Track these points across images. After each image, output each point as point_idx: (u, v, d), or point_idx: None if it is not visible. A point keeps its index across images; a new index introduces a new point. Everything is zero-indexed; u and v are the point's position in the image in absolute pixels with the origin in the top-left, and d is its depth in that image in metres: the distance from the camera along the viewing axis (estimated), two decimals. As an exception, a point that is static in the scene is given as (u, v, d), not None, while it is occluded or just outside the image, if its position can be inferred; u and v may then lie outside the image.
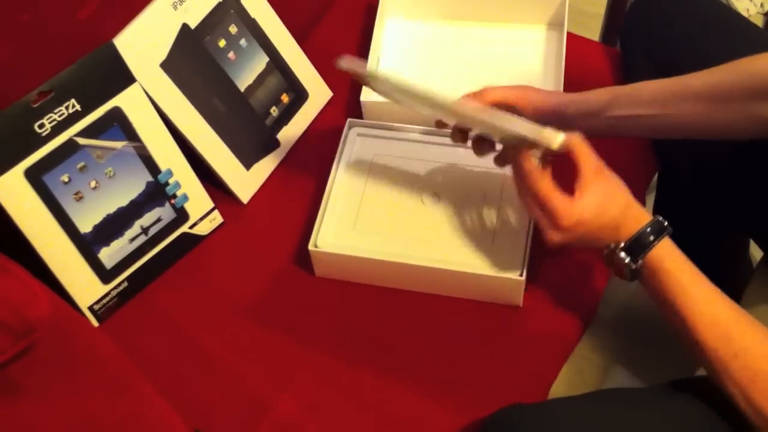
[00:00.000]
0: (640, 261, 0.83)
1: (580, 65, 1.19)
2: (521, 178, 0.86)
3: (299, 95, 1.17)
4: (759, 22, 1.90)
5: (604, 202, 0.83)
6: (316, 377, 0.98)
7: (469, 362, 0.99)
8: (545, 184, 0.84)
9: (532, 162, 0.86)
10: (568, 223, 0.83)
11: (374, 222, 1.04)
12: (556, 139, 0.83)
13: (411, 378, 0.97)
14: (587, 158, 0.84)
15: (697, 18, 1.10)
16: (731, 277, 1.35)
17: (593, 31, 1.57)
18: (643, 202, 1.14)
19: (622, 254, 0.83)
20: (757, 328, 0.78)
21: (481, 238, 1.01)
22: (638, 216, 0.84)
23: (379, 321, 1.02)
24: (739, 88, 0.87)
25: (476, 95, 0.94)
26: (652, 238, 0.82)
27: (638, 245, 0.82)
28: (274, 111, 1.14)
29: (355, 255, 1.01)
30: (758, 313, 1.07)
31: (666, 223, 0.83)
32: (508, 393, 0.96)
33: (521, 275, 0.98)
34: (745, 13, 1.89)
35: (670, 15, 1.11)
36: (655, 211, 1.18)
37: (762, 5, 1.93)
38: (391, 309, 1.02)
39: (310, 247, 1.01)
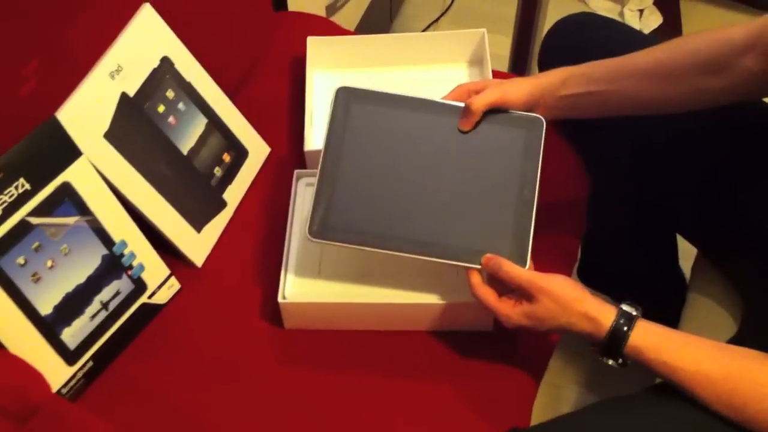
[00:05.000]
0: (620, 360, 0.87)
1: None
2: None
3: (240, 153, 1.17)
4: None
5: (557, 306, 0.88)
6: (301, 427, 0.97)
7: (453, 392, 0.99)
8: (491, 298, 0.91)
9: (478, 278, 0.93)
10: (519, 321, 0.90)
11: (338, 268, 1.05)
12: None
13: (396, 416, 0.98)
14: (518, 272, 0.90)
15: (610, 39, 1.17)
16: (666, 282, 1.42)
17: (501, 69, 1.65)
18: (581, 214, 1.19)
19: (602, 357, 0.88)
20: (750, 361, 0.82)
21: (444, 268, 1.03)
22: (603, 311, 0.87)
23: (355, 365, 1.02)
24: (680, 65, 0.94)
25: (465, 113, 0.98)
26: (625, 329, 0.85)
27: (612, 347, 0.86)
28: (218, 171, 1.14)
29: (326, 302, 1.01)
30: (704, 306, 1.13)
31: (633, 312, 0.87)
32: (495, 418, 0.97)
33: (490, 299, 1.00)
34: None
35: (585, 37, 1.18)
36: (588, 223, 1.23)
37: (641, 30, 2.06)
38: (365, 352, 1.03)
39: (280, 299, 1.01)
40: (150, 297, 1.05)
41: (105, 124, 1.01)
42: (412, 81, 1.28)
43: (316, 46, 1.27)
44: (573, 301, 0.87)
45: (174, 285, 1.08)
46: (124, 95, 1.03)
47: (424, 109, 1.00)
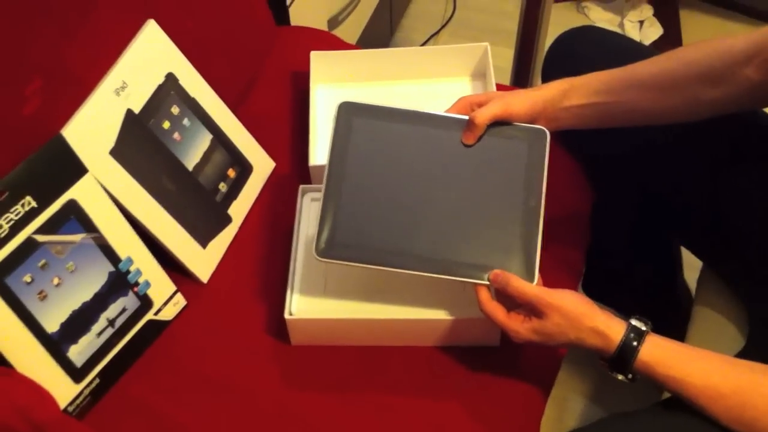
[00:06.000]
0: (629, 375, 0.87)
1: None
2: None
3: (244, 168, 1.17)
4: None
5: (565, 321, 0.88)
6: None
7: (460, 408, 0.99)
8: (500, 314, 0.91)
9: (486, 294, 0.92)
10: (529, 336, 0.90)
11: (344, 283, 1.05)
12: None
13: (404, 432, 0.98)
14: (527, 288, 0.90)
15: (613, 51, 1.17)
16: (671, 295, 1.42)
17: (503, 82, 1.65)
18: (586, 227, 1.19)
19: (612, 372, 0.88)
20: (759, 375, 0.82)
21: (451, 284, 1.03)
22: (612, 326, 0.87)
23: (361, 381, 1.02)
24: (681, 76, 0.95)
25: (469, 127, 0.97)
26: (635, 343, 0.85)
27: (622, 362, 0.86)
28: (223, 187, 1.14)
29: (333, 317, 1.01)
30: (709, 320, 1.13)
31: (643, 327, 0.86)
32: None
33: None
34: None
35: (588, 50, 1.19)
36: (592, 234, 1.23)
37: (641, 41, 2.07)
38: (371, 367, 1.02)
39: (286, 315, 1.00)
40: (156, 313, 1.05)
41: (110, 141, 1.01)
42: (415, 95, 1.29)
43: (319, 61, 1.27)
44: (582, 316, 0.87)
45: (180, 301, 1.08)
46: (129, 112, 1.03)
47: (427, 123, 0.99)
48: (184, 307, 1.08)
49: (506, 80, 1.73)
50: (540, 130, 0.99)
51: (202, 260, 1.11)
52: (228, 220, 1.15)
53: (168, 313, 1.06)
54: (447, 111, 1.01)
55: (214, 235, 1.12)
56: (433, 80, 1.31)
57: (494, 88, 1.24)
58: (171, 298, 1.06)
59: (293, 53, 1.35)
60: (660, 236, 1.32)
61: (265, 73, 1.33)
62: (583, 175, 1.21)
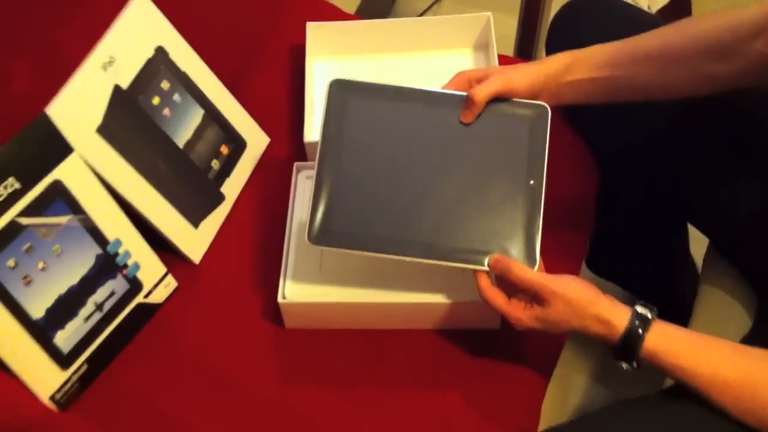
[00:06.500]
0: (634, 363, 0.84)
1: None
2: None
3: (238, 145, 1.14)
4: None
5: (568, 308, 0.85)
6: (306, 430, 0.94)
7: (459, 392, 0.97)
8: (500, 301, 0.88)
9: (486, 280, 0.89)
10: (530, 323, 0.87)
11: (340, 266, 1.02)
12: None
13: (403, 419, 0.95)
14: (529, 275, 0.86)
15: (619, 22, 1.13)
16: (677, 271, 1.39)
17: (507, 52, 1.60)
18: (590, 209, 1.16)
19: (617, 361, 0.85)
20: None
21: (450, 269, 1.00)
22: (617, 314, 0.84)
23: (358, 365, 0.99)
24: (688, 49, 0.90)
25: (467, 105, 0.93)
26: (640, 331, 0.82)
27: (627, 350, 0.83)
28: (216, 164, 1.11)
29: (328, 301, 0.98)
30: (716, 298, 1.10)
31: (648, 315, 0.83)
32: (503, 417, 0.95)
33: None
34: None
35: (594, 21, 1.15)
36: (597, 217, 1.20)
37: (649, 7, 2.02)
38: (368, 351, 1.00)
39: (280, 299, 0.97)
40: (146, 297, 1.02)
41: (97, 118, 0.97)
42: (416, 67, 1.24)
43: (315, 32, 1.22)
44: (586, 303, 0.84)
45: (171, 284, 1.05)
46: (117, 88, 0.99)
47: (423, 100, 0.95)
48: (176, 290, 1.05)
49: (510, 49, 1.69)
50: (541, 106, 0.95)
51: (194, 240, 1.08)
52: (221, 198, 1.11)
53: (158, 296, 1.03)
54: (444, 87, 0.97)
55: (206, 215, 1.09)
56: (434, 52, 1.26)
57: (497, 59, 1.19)
58: (161, 280, 1.03)
59: (289, 24, 1.31)
60: (671, 220, 1.29)
61: (261, 45, 1.29)
62: (588, 154, 1.17)
